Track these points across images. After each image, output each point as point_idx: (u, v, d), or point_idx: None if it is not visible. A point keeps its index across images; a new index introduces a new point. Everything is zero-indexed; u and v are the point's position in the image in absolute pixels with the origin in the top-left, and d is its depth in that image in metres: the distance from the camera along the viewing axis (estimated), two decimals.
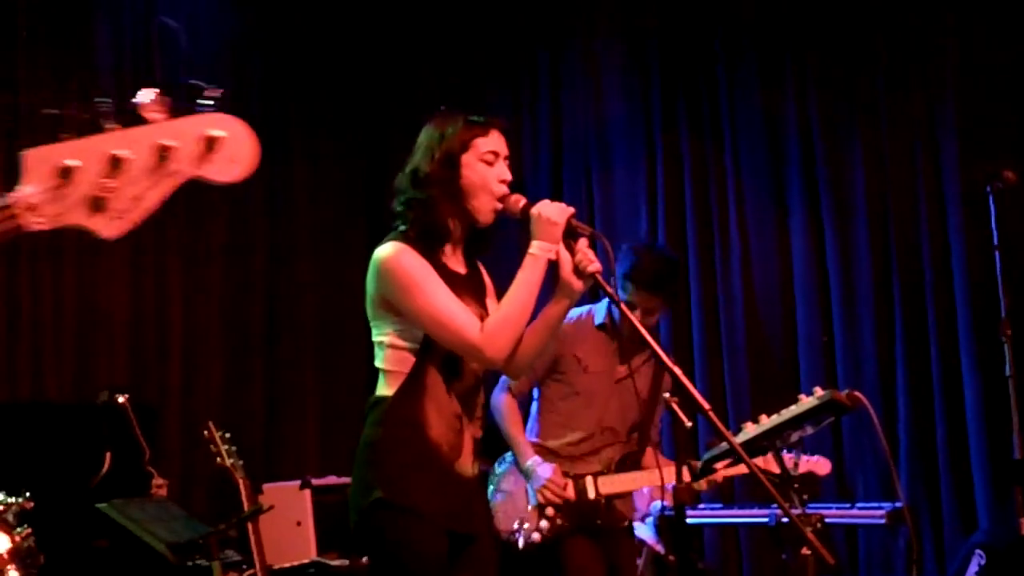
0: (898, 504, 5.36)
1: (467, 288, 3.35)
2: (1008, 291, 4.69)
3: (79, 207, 1.65)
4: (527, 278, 3.26)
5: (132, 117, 1.68)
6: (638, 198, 6.97)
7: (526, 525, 4.60)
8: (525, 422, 4.84)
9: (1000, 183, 4.78)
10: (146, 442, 5.19)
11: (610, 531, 4.76)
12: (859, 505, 5.47)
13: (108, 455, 5.18)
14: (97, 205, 1.66)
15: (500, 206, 3.34)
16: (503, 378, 4.76)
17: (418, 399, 3.24)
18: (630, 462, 4.81)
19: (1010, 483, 4.44)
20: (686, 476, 3.87)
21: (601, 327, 4.75)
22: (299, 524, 5.86)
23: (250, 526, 4.97)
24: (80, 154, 1.64)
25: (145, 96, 1.69)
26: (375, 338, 3.33)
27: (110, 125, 1.67)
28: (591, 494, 4.67)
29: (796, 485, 3.76)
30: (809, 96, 6.43)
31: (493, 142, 3.35)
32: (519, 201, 3.34)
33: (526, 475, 4.65)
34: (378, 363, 3.32)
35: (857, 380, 5.96)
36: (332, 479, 6.04)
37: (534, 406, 4.88)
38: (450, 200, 3.30)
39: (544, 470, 4.62)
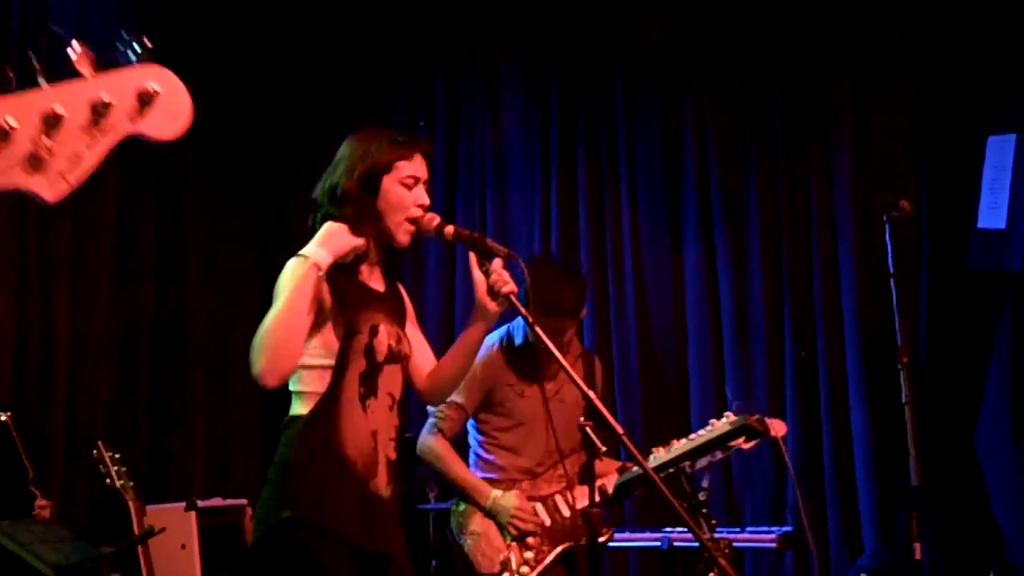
0: (787, 528, 5.42)
1: (384, 307, 3.30)
2: (904, 319, 4.76)
3: (18, 168, 1.58)
4: (297, 285, 3.08)
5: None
6: (532, 221, 6.94)
7: (512, 563, 4.46)
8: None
9: (896, 212, 4.87)
10: (30, 461, 5.00)
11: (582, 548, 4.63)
12: (749, 529, 5.50)
13: None
14: (36, 166, 1.59)
15: (414, 228, 3.32)
16: (430, 420, 4.62)
17: (333, 417, 3.17)
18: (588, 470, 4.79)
19: (907, 509, 4.51)
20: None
21: (523, 348, 4.58)
22: (184, 547, 5.69)
23: (140, 549, 4.86)
24: (15, 112, 1.58)
25: (73, 51, 1.64)
26: None
27: (42, 81, 1.60)
28: (565, 512, 4.55)
29: (704, 511, 3.80)
30: (706, 123, 6.49)
31: (415, 167, 3.33)
32: (433, 220, 3.35)
33: (492, 514, 4.50)
34: (291, 386, 3.22)
35: (747, 404, 5.99)
36: (218, 501, 5.90)
37: (473, 441, 4.73)
38: (367, 219, 3.25)
39: (508, 501, 4.49)
